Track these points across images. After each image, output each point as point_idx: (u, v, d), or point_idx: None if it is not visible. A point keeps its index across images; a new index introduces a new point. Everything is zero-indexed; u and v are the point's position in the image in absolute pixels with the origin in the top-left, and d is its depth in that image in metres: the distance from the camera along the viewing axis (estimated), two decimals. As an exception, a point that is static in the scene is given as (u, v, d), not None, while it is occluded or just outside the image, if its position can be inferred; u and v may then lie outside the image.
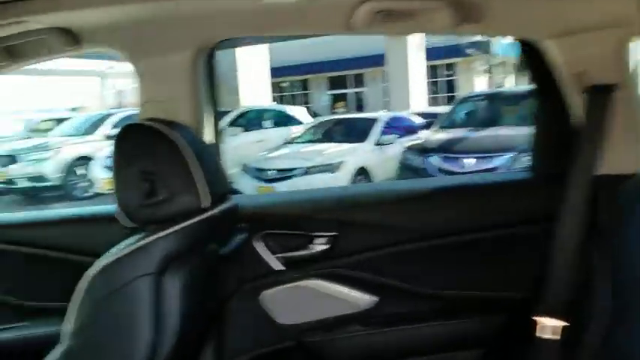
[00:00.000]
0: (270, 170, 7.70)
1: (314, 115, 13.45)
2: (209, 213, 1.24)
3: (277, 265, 1.65)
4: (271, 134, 10.95)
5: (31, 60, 1.60)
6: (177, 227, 1.17)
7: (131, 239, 1.16)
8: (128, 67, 1.57)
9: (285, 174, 7.58)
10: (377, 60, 18.64)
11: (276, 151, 8.73)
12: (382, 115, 9.79)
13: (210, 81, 1.69)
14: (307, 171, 7.60)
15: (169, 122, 1.27)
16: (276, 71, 18.20)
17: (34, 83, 17.09)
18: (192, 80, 1.57)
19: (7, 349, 1.67)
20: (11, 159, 10.19)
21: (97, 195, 9.17)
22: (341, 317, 1.67)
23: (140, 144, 1.24)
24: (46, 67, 15.92)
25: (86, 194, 9.81)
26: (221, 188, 1.33)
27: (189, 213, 1.20)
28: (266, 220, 1.68)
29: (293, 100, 20.07)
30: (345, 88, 22.15)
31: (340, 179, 7.47)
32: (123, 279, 1.10)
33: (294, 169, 7.67)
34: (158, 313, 1.11)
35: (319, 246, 1.67)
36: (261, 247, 1.65)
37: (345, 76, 21.79)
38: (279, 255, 1.65)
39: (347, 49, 19.26)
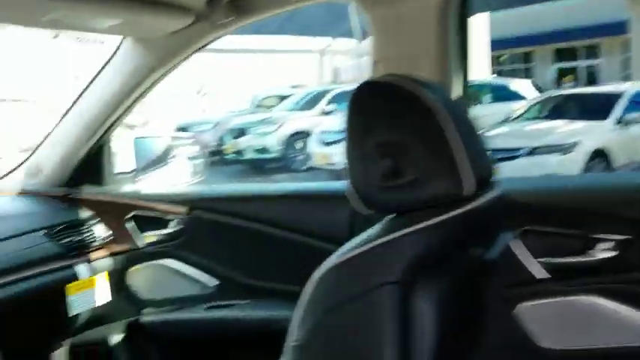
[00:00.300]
0: (490, 150, 7.03)
1: (539, 89, 12.23)
2: (474, 203, 0.90)
3: (541, 273, 1.26)
4: (491, 110, 10.20)
5: (254, 16, 1.49)
6: (431, 221, 0.85)
7: (371, 232, 0.89)
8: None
9: (507, 154, 6.84)
10: (616, 28, 16.38)
11: (496, 129, 8.01)
12: (628, 89, 8.36)
13: (462, 34, 1.36)
14: (533, 151, 6.82)
15: (416, 79, 0.95)
16: (494, 44, 17.09)
17: (262, 62, 18.60)
18: (438, 32, 1.28)
19: (231, 326, 1.64)
20: (241, 132, 11.23)
21: (313, 169, 9.55)
22: (634, 350, 1.23)
23: (379, 106, 0.94)
24: (271, 47, 17.20)
25: (303, 167, 10.33)
26: (486, 170, 0.98)
27: (448, 202, 0.88)
28: (526, 212, 1.30)
29: (513, 75, 18.67)
30: (575, 59, 19.95)
31: (573, 162, 6.59)
32: (360, 285, 0.84)
33: (518, 149, 6.92)
34: (406, 334, 0.82)
35: (603, 252, 1.24)
36: (519, 248, 1.27)
37: (575, 47, 19.61)
38: (544, 260, 1.27)
39: (578, 18, 17.29)
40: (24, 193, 1.84)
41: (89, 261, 1.71)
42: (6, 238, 1.57)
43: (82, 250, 1.71)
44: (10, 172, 1.90)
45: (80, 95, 1.72)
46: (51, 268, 1.62)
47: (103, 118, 1.71)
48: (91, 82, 1.70)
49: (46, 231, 1.65)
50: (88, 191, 1.82)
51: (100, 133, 1.75)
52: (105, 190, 1.85)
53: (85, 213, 1.79)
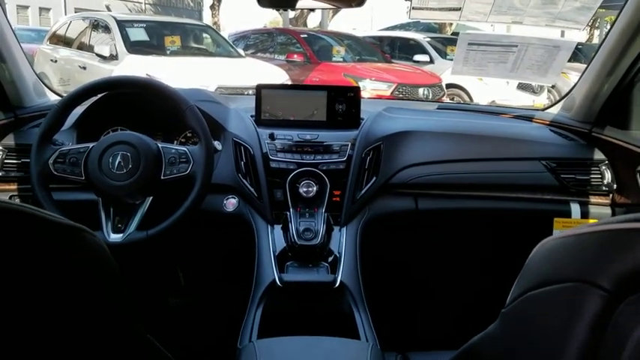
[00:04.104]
0: None
1: None
2: None
3: None
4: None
5: None
6: None
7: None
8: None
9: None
10: None
11: None
12: None
13: None
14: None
15: None
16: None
17: None
18: None
19: None
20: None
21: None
22: None
23: None
24: None
25: None
26: None
27: None
28: None
29: None
30: None
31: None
32: (571, 270, 0.64)
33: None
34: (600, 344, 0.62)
35: None
36: None
37: None
38: None
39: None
40: (552, 124, 1.88)
41: (587, 203, 1.69)
42: (513, 159, 1.69)
43: (582, 189, 1.68)
44: (554, 104, 1.95)
45: (611, 28, 1.57)
46: (545, 197, 1.68)
47: (632, 56, 1.54)
48: (620, 11, 1.51)
49: (552, 162, 1.68)
50: (610, 132, 1.70)
51: (624, 71, 1.59)
52: (626, 135, 1.67)
53: (599, 154, 1.71)
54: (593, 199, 1.69)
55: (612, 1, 1.45)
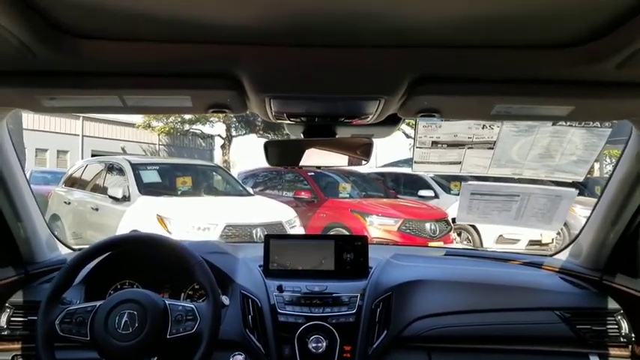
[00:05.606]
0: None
1: None
2: None
3: None
4: None
5: None
6: None
7: None
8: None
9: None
10: None
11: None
12: None
13: None
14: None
15: None
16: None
17: None
18: None
19: None
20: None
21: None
22: None
23: None
24: None
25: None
26: None
27: None
28: None
29: None
30: None
31: None
32: None
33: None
34: None
35: None
36: None
37: None
38: None
39: None
40: (562, 271, 1.87)
41: (606, 356, 1.63)
42: (527, 309, 1.65)
43: (600, 340, 1.63)
44: (561, 250, 1.95)
45: (610, 177, 1.62)
46: (562, 350, 1.62)
47: (634, 205, 1.57)
48: (618, 162, 1.57)
49: (566, 312, 1.65)
50: (622, 280, 1.69)
51: (629, 220, 1.60)
52: (638, 284, 1.64)
53: (613, 303, 1.67)
54: (612, 351, 1.63)
55: (610, 137, 1.52)
